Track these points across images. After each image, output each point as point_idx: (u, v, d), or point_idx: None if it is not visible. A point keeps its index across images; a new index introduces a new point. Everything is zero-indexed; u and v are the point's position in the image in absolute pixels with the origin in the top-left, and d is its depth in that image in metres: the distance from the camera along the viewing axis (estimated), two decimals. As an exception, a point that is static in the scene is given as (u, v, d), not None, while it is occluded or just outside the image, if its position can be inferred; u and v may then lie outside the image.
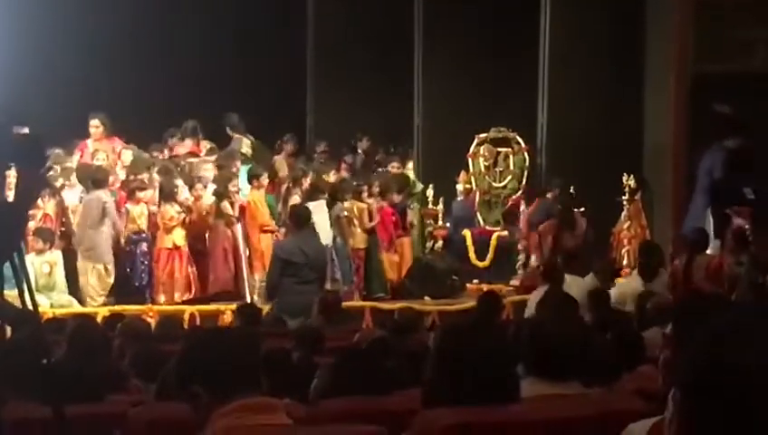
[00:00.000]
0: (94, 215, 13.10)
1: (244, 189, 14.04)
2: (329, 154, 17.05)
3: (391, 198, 14.86)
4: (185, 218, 13.49)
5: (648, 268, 11.56)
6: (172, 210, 13.43)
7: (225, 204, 13.64)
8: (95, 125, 14.75)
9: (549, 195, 15.34)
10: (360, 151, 17.91)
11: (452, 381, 3.74)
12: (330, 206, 13.93)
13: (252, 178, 14.15)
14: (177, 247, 13.44)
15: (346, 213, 14.04)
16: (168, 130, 15.76)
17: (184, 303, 13.26)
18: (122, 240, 13.39)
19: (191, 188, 13.92)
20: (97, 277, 13.13)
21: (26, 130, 4.93)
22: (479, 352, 3.78)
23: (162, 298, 13.32)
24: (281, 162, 15.83)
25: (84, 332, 7.24)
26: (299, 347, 7.61)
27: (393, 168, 15.98)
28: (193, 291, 13.49)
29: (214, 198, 13.74)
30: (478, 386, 3.69)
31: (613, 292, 10.92)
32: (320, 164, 15.96)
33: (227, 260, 13.65)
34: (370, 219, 14.36)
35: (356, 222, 14.19)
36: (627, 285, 11.53)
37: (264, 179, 14.27)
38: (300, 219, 12.36)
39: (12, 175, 4.70)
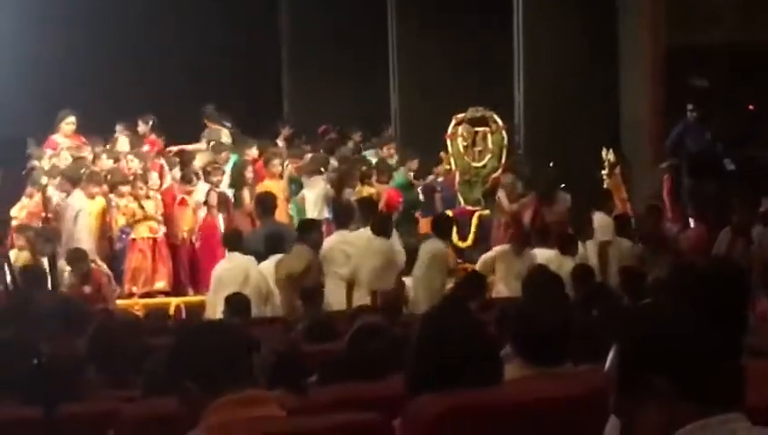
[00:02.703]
0: (68, 218, 13.05)
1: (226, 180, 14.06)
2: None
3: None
4: (144, 215, 13.40)
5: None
6: (132, 205, 13.39)
7: (245, 192, 13.61)
8: (72, 122, 14.86)
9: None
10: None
11: (434, 367, 3.73)
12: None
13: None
14: (145, 239, 13.41)
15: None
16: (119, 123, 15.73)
17: (147, 295, 13.21)
18: (114, 238, 13.39)
19: (189, 181, 13.87)
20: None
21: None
22: (458, 335, 3.77)
23: (132, 288, 13.27)
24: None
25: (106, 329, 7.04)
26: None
27: (386, 150, 16.03)
28: (158, 282, 13.42)
29: (205, 190, 13.69)
30: (460, 370, 3.68)
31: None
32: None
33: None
34: None
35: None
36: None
37: (274, 167, 14.35)
38: (265, 207, 12.27)
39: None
